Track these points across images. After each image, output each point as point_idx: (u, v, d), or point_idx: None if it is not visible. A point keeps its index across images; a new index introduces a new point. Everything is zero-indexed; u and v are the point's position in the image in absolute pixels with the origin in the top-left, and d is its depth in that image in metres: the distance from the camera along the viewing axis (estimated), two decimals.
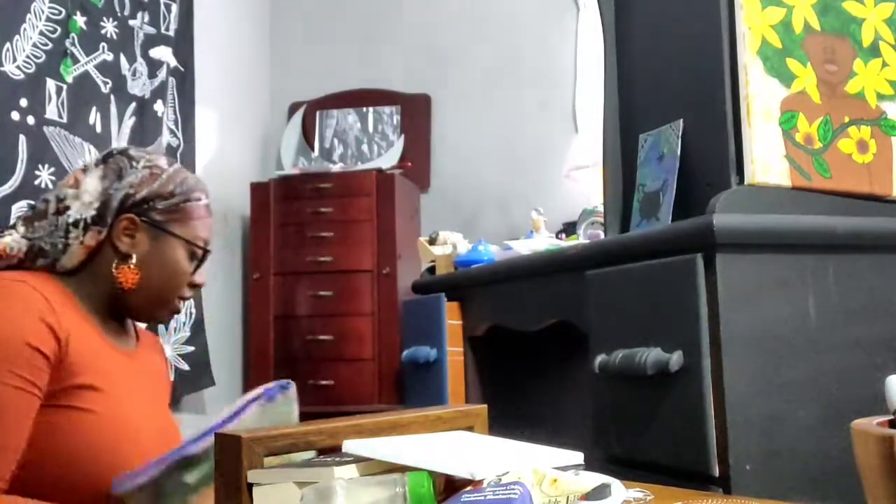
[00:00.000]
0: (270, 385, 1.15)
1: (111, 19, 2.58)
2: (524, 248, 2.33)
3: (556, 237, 2.67)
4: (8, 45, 2.19)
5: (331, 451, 0.85)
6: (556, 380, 2.24)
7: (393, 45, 3.57)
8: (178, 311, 1.35)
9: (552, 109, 3.28)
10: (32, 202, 1.32)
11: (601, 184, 1.82)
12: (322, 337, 2.99)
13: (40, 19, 2.31)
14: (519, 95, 3.34)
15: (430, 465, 0.76)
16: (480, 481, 0.73)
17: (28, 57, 2.25)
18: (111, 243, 1.27)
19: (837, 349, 1.31)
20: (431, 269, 2.62)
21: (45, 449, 1.13)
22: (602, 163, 1.80)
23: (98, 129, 2.50)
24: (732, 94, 1.40)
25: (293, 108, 3.62)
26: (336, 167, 3.24)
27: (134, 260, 1.27)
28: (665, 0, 1.65)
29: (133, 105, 2.67)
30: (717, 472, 1.25)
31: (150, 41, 2.78)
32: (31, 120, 2.25)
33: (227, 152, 3.31)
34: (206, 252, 1.33)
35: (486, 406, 1.01)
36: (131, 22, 2.69)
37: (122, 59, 2.63)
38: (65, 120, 2.36)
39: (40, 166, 2.27)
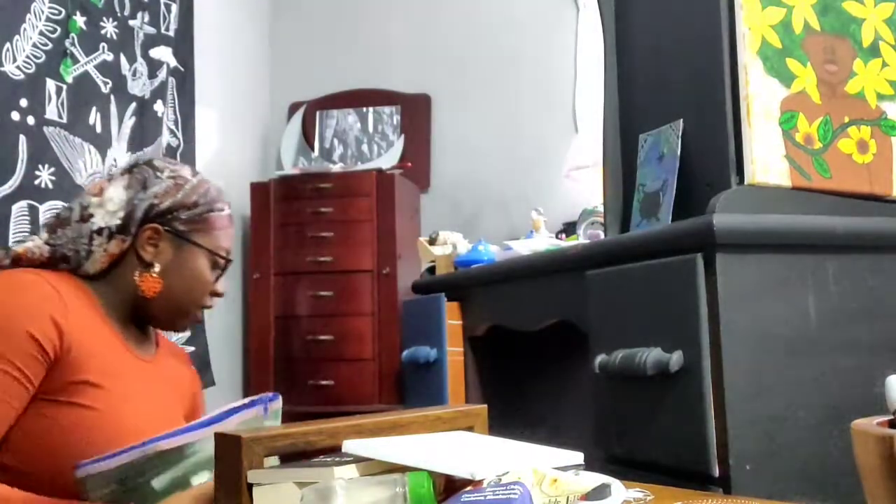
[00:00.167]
0: (256, 397, 1.17)
1: (111, 19, 2.58)
2: (524, 248, 2.33)
3: (556, 237, 2.67)
4: (8, 45, 2.19)
5: (331, 451, 0.86)
6: (556, 380, 2.24)
7: (393, 45, 3.57)
8: (198, 321, 1.37)
9: (552, 109, 3.28)
10: (58, 208, 1.34)
11: (601, 184, 1.82)
12: (322, 337, 2.99)
13: (40, 19, 2.31)
14: (519, 95, 3.34)
15: (430, 465, 0.76)
16: (480, 481, 0.73)
17: (28, 57, 2.25)
18: (135, 252, 1.29)
19: (837, 349, 1.31)
20: (431, 269, 2.62)
21: (46, 443, 1.13)
22: (602, 163, 1.80)
23: (98, 129, 2.50)
24: (732, 94, 1.40)
25: (293, 108, 3.62)
26: (336, 167, 3.24)
27: (157, 269, 1.29)
28: (665, 0, 1.65)
29: (133, 105, 2.67)
30: (717, 472, 1.25)
31: (150, 41, 2.78)
32: (31, 120, 2.25)
33: (227, 152, 3.31)
34: (227, 262, 1.35)
35: (486, 406, 1.01)
36: (131, 22, 2.69)
37: (122, 59, 2.63)
38: (65, 120, 2.36)
39: (40, 166, 2.27)
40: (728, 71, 1.41)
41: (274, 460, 0.85)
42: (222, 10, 3.34)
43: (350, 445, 0.81)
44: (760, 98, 1.37)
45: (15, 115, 2.20)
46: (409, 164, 3.27)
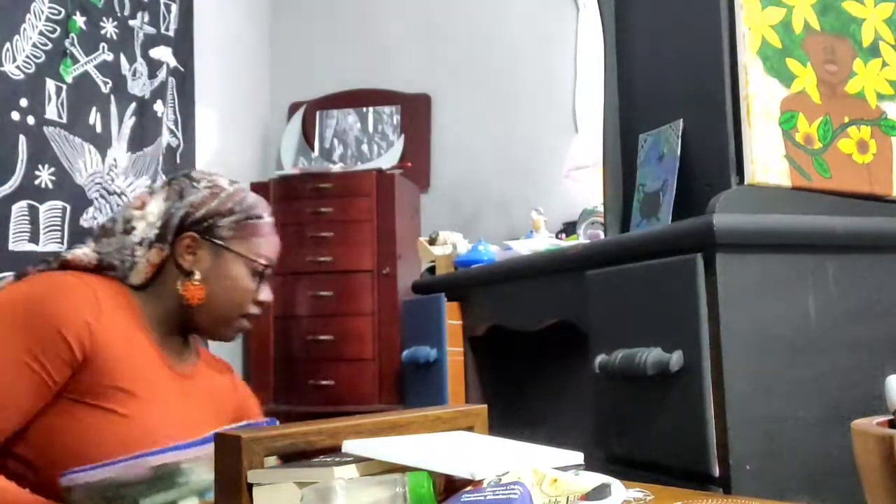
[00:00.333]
0: (253, 421, 1.21)
1: (111, 19, 2.59)
2: (524, 248, 2.33)
3: (556, 237, 2.67)
4: (8, 45, 2.20)
5: (331, 451, 0.86)
6: (556, 380, 2.24)
7: (393, 45, 3.57)
8: (244, 329, 1.38)
9: (552, 109, 3.28)
10: (102, 224, 1.37)
11: (601, 184, 1.82)
12: (322, 337, 2.99)
13: (40, 19, 2.31)
14: (519, 95, 3.34)
15: (430, 465, 0.76)
16: (480, 481, 0.73)
17: (28, 57, 2.25)
18: (174, 261, 1.31)
19: (837, 349, 1.31)
20: (431, 269, 2.62)
21: (68, 442, 1.14)
22: (602, 163, 1.80)
23: (98, 129, 2.51)
24: (732, 94, 1.40)
25: (293, 108, 3.62)
26: (336, 167, 3.24)
27: (197, 276, 1.30)
28: (665, 0, 1.65)
29: (133, 105, 2.67)
30: (717, 472, 1.25)
31: (150, 41, 2.78)
32: (31, 120, 2.25)
33: (227, 152, 3.31)
34: (266, 268, 1.35)
35: (486, 406, 1.01)
36: (131, 22, 2.69)
37: (122, 59, 2.63)
38: (65, 120, 2.36)
39: (40, 166, 2.27)
40: (728, 71, 1.41)
41: (274, 460, 0.85)
42: (222, 10, 3.34)
43: (350, 445, 0.81)
44: (760, 98, 1.37)
45: (15, 115, 2.20)
46: (409, 164, 3.27)
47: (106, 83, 2.54)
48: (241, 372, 3.29)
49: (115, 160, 2.57)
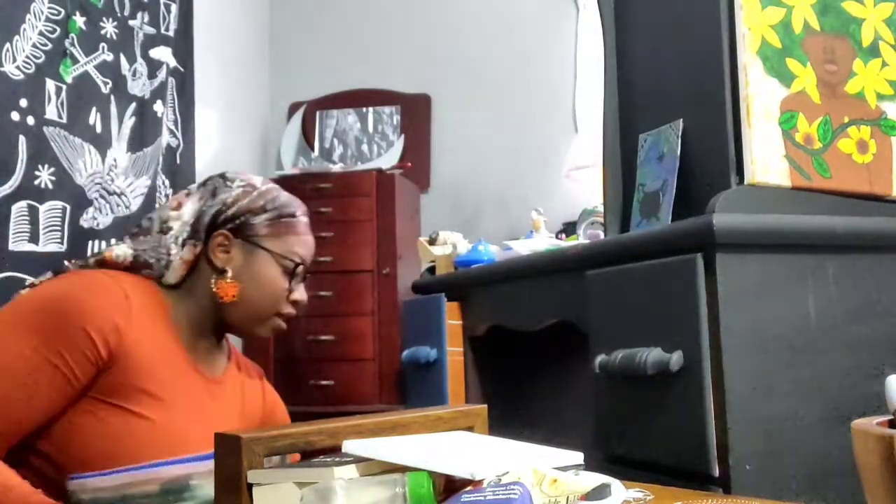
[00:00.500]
0: None
1: (111, 19, 2.58)
2: (524, 248, 2.33)
3: (556, 237, 2.67)
4: (8, 45, 2.19)
5: (331, 451, 0.86)
6: (556, 380, 2.24)
7: (393, 45, 3.57)
8: (280, 329, 1.37)
9: (552, 109, 3.28)
10: (139, 222, 1.38)
11: (601, 184, 1.82)
12: (322, 337, 2.99)
13: (40, 19, 2.31)
14: (519, 95, 3.34)
15: (430, 465, 0.76)
16: (480, 481, 0.73)
17: (28, 57, 2.25)
18: (207, 260, 1.31)
19: (837, 349, 1.31)
20: (431, 269, 2.62)
21: (91, 441, 1.14)
22: (602, 163, 1.80)
23: (98, 129, 2.50)
24: (732, 94, 1.40)
25: (293, 108, 3.62)
26: (336, 167, 3.24)
27: (230, 274, 1.30)
28: (665, 0, 1.65)
29: (133, 105, 2.67)
30: (717, 472, 1.25)
31: (150, 41, 2.78)
32: (30, 120, 2.25)
33: (227, 152, 3.31)
34: (297, 266, 1.34)
35: (486, 406, 1.01)
36: (131, 22, 2.69)
37: (122, 59, 2.63)
38: (64, 120, 2.36)
39: (40, 166, 2.27)
40: (728, 71, 1.41)
41: (274, 460, 0.85)
42: (222, 10, 3.34)
43: (350, 445, 0.81)
44: (760, 98, 1.37)
45: (15, 115, 2.20)
46: (409, 164, 3.27)
47: (106, 83, 2.54)
48: None
49: (115, 160, 2.57)
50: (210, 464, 1.04)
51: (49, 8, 2.33)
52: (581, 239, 2.48)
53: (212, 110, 3.20)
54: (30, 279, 2.10)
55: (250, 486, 0.80)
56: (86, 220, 2.44)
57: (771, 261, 1.31)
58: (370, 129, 3.55)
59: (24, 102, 2.23)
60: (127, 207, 2.61)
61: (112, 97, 2.57)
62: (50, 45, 2.33)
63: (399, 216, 3.06)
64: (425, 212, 3.36)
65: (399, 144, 3.47)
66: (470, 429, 0.98)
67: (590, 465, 0.87)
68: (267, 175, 3.30)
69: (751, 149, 1.36)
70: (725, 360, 1.25)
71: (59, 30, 2.36)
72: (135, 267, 1.30)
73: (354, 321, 2.99)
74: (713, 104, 1.44)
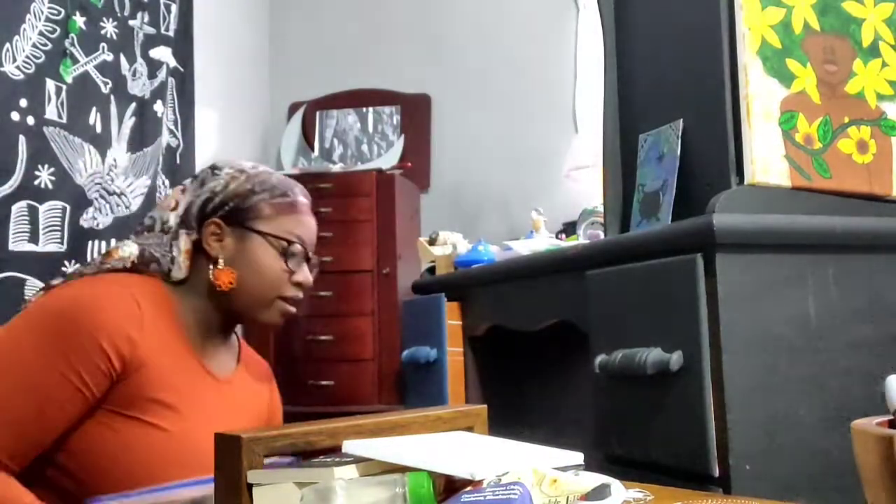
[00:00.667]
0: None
1: (111, 19, 2.59)
2: (524, 248, 2.33)
3: (556, 237, 2.67)
4: (8, 45, 2.20)
5: (331, 451, 0.85)
6: (556, 380, 2.24)
7: (393, 45, 3.57)
8: (287, 313, 1.34)
9: (552, 109, 3.28)
10: (142, 220, 1.38)
11: (601, 184, 1.82)
12: (322, 337, 2.99)
13: (40, 19, 2.31)
14: (519, 95, 3.34)
15: (430, 465, 0.76)
16: (480, 481, 0.73)
17: (28, 57, 2.25)
18: (204, 251, 1.29)
19: (837, 349, 1.31)
20: (431, 269, 2.62)
21: (108, 453, 1.13)
22: (602, 163, 1.80)
23: (98, 129, 2.51)
24: (732, 94, 1.40)
25: (293, 108, 3.62)
26: (336, 167, 3.24)
27: (221, 261, 1.28)
28: (665, 0, 1.65)
29: (133, 105, 2.67)
30: (717, 472, 1.25)
31: (150, 41, 2.78)
32: (30, 120, 2.25)
33: (227, 152, 3.31)
34: (291, 245, 1.31)
35: (486, 406, 1.01)
36: (131, 22, 2.69)
37: (122, 59, 2.63)
38: (64, 120, 2.36)
39: (40, 166, 2.27)
40: (728, 71, 1.41)
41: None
42: (222, 10, 3.34)
43: (350, 445, 0.81)
44: (760, 98, 1.37)
45: (15, 116, 2.20)
46: (409, 164, 3.27)
47: (106, 83, 2.54)
48: None
49: (114, 160, 2.57)
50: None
51: (49, 8, 2.33)
52: (581, 239, 2.48)
53: (212, 110, 3.20)
54: (34, 281, 2.11)
55: (250, 486, 0.79)
56: (86, 220, 2.44)
57: (771, 261, 1.31)
58: (370, 129, 3.55)
59: (24, 102, 2.23)
60: (127, 207, 2.61)
61: (112, 97, 2.57)
62: (50, 45, 2.33)
63: (399, 216, 3.06)
64: (425, 212, 3.36)
65: (399, 144, 3.47)
66: (470, 429, 0.98)
67: (590, 465, 0.87)
68: None
69: (751, 149, 1.36)
70: (725, 360, 1.25)
71: (59, 30, 2.36)
72: (142, 263, 1.29)
73: (354, 321, 2.99)
74: (713, 104, 1.44)
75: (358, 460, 0.79)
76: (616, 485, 0.76)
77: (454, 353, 2.30)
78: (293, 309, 1.34)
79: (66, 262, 2.32)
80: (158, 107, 2.81)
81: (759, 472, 1.24)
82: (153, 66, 2.79)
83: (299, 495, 0.75)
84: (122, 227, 2.52)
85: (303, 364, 3.01)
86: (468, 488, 0.72)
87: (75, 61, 2.42)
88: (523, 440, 0.94)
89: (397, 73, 3.54)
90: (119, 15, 2.63)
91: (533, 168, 3.26)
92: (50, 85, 2.32)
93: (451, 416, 0.97)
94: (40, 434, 1.11)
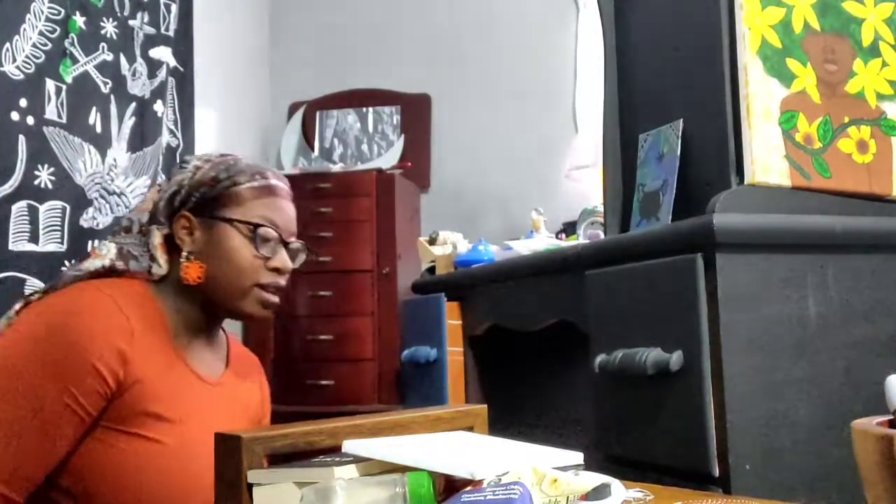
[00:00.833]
0: None
1: (111, 19, 2.58)
2: (524, 248, 2.33)
3: (556, 237, 2.67)
4: (7, 45, 2.20)
5: (331, 451, 0.85)
6: (556, 380, 2.24)
7: (393, 45, 3.57)
8: (267, 302, 1.28)
9: (552, 109, 3.28)
10: (119, 222, 1.37)
11: (601, 184, 1.82)
12: (322, 337, 2.99)
13: (40, 19, 2.31)
14: (519, 95, 3.34)
15: (430, 465, 0.76)
16: (480, 481, 0.73)
17: (28, 57, 2.25)
18: (177, 246, 1.27)
19: (837, 349, 1.31)
20: (431, 269, 2.62)
21: (109, 471, 1.12)
22: (602, 163, 1.80)
23: (98, 129, 2.50)
24: (732, 94, 1.40)
25: (293, 108, 3.62)
26: (336, 167, 3.24)
27: (184, 254, 1.25)
28: (665, 0, 1.65)
29: (133, 105, 2.67)
30: (717, 472, 1.25)
31: (150, 41, 2.78)
32: (30, 120, 2.25)
33: (227, 152, 3.31)
34: (258, 228, 1.26)
35: (486, 406, 1.01)
36: (131, 22, 2.69)
37: (122, 59, 2.63)
38: (64, 120, 2.36)
39: (40, 166, 2.27)
40: (728, 71, 1.41)
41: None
42: (222, 10, 3.34)
43: (350, 445, 0.81)
44: (760, 98, 1.37)
45: (15, 116, 2.20)
46: (409, 164, 3.27)
47: (106, 83, 2.54)
48: None
49: (114, 160, 2.57)
50: None
51: (49, 8, 2.33)
52: (581, 239, 2.47)
53: (212, 110, 3.20)
54: (34, 281, 2.10)
55: (250, 486, 0.79)
56: (86, 220, 2.44)
57: (771, 261, 1.31)
58: (370, 129, 3.55)
59: (24, 102, 2.23)
60: (127, 207, 2.61)
61: (112, 97, 2.57)
62: (50, 45, 2.33)
63: (399, 216, 3.06)
64: (425, 212, 3.36)
65: (399, 144, 3.47)
66: (470, 429, 0.98)
67: (590, 465, 0.87)
68: None
69: (751, 149, 1.36)
70: (725, 360, 1.25)
71: (59, 30, 2.36)
72: (121, 260, 1.26)
73: (354, 321, 2.99)
74: (713, 104, 1.44)
75: (358, 460, 0.79)
76: (616, 485, 0.76)
77: (454, 353, 2.30)
78: (274, 298, 1.29)
79: (66, 262, 2.32)
80: (158, 107, 2.81)
81: (759, 472, 1.24)
82: (153, 66, 2.79)
83: (299, 495, 0.75)
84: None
85: (302, 364, 3.01)
86: (468, 488, 0.72)
87: (75, 61, 2.42)
88: (523, 440, 0.94)
89: (397, 73, 3.54)
90: (119, 15, 2.63)
91: (533, 168, 3.26)
92: (50, 85, 2.32)
93: (451, 416, 0.97)
94: (42, 462, 1.10)
